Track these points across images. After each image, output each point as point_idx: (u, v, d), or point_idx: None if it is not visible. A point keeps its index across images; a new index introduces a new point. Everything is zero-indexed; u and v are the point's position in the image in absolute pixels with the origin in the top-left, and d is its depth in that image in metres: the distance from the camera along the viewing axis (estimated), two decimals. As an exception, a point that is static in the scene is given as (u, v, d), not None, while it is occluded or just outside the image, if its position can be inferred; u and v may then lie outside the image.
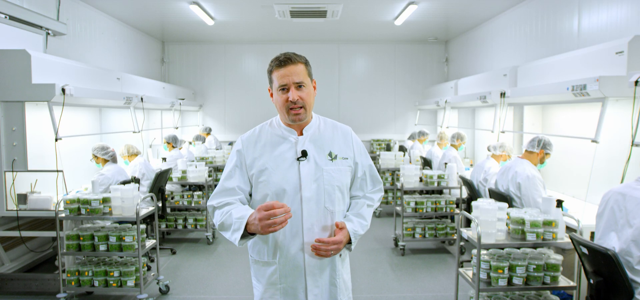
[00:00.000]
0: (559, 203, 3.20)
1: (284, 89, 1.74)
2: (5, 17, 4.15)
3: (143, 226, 3.89)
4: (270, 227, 1.58)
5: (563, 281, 2.98)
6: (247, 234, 1.68)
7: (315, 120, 1.88)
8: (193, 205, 5.60)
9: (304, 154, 1.78)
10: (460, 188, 4.99)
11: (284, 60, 1.74)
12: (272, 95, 1.83)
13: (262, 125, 1.89)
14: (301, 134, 1.83)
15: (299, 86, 1.74)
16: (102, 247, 3.59)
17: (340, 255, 1.86)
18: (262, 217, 1.58)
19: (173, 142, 6.40)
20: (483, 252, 3.08)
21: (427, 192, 5.49)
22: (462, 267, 3.26)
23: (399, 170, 5.79)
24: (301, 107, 1.75)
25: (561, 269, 2.96)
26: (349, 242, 1.81)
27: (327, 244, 1.72)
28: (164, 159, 6.26)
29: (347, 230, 1.79)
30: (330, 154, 1.83)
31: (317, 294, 1.80)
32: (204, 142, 8.01)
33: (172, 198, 5.61)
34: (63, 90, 3.90)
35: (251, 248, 1.88)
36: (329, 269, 1.83)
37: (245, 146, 1.83)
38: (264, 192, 1.78)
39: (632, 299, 2.05)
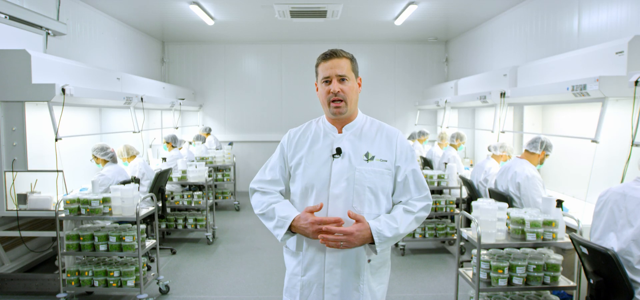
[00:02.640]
0: (559, 203, 3.20)
1: (327, 81, 1.77)
2: (5, 17, 4.14)
3: (143, 226, 3.89)
4: (319, 234, 1.67)
5: (563, 281, 2.98)
6: (289, 231, 1.75)
7: (360, 119, 1.88)
8: (193, 205, 5.60)
9: (339, 151, 1.79)
10: (460, 188, 4.99)
11: (329, 54, 1.79)
12: (317, 89, 1.86)
13: (310, 121, 1.95)
14: (341, 131, 1.84)
15: (341, 79, 1.77)
16: (102, 247, 3.59)
17: (370, 260, 1.78)
18: (315, 230, 1.68)
19: (173, 142, 6.40)
20: (483, 252, 3.08)
21: (427, 192, 5.48)
22: (462, 267, 3.27)
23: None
24: (342, 101, 1.77)
25: (561, 269, 2.96)
26: (372, 243, 1.70)
27: (334, 233, 1.65)
28: (164, 159, 6.26)
29: (368, 225, 1.68)
30: (367, 155, 1.80)
31: (335, 294, 1.77)
32: (204, 142, 8.02)
33: (172, 198, 5.61)
34: (63, 90, 3.90)
35: None
36: (353, 272, 1.77)
37: (289, 139, 1.90)
38: (298, 184, 1.83)
39: (632, 299, 2.05)
